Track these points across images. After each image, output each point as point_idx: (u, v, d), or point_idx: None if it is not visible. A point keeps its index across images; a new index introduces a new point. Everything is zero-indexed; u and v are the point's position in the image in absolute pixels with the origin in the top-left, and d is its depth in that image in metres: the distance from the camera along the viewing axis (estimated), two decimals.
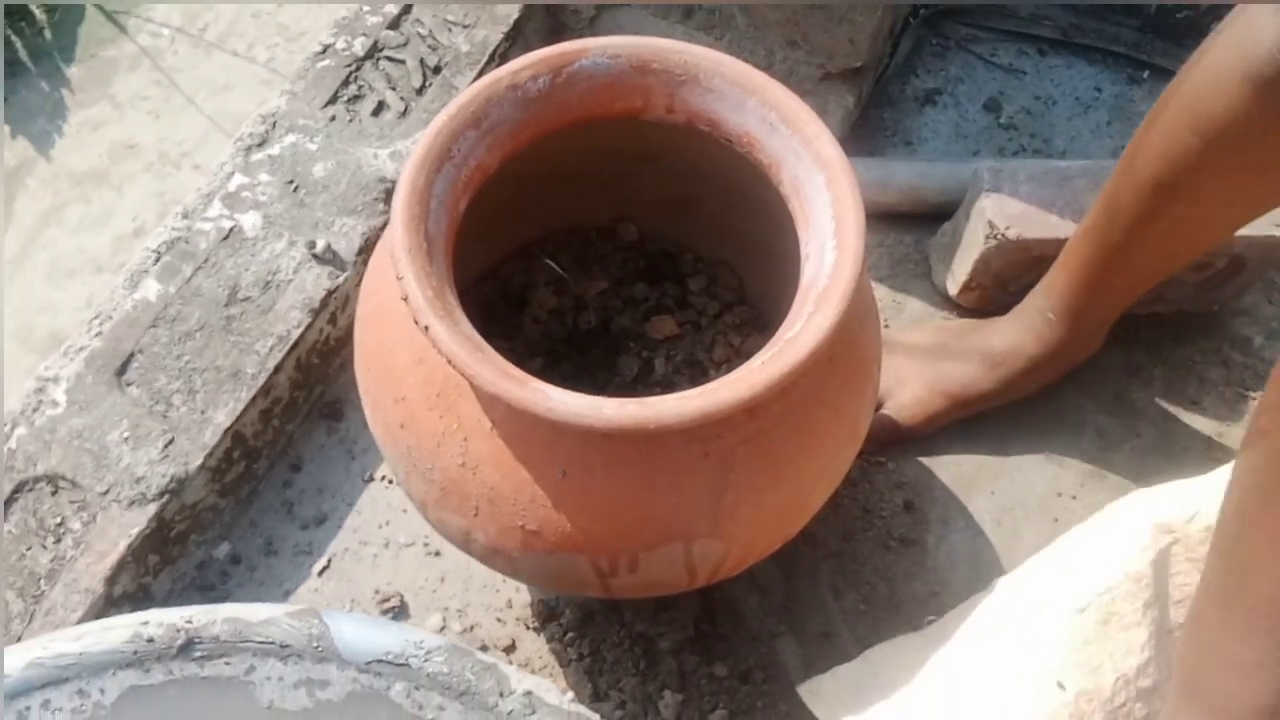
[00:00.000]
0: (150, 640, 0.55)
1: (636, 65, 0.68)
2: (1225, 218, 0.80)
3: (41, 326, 1.08)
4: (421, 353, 0.64)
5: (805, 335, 0.59)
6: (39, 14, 1.27)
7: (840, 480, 0.72)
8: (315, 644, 0.55)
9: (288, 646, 0.55)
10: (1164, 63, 1.20)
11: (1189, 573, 0.71)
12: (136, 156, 1.20)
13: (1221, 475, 0.77)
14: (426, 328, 0.58)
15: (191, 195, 0.95)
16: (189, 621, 0.55)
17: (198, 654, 0.55)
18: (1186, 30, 1.21)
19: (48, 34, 1.27)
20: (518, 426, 0.62)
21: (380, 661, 0.55)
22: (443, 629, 0.87)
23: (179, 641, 0.55)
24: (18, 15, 1.25)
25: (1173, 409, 1.00)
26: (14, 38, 1.25)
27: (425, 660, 0.55)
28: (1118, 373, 1.02)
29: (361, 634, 0.56)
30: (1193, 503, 0.73)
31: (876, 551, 0.92)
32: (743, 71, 0.67)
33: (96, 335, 0.87)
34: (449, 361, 0.58)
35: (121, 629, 0.55)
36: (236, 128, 1.19)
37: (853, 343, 0.68)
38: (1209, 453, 0.98)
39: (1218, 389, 1.02)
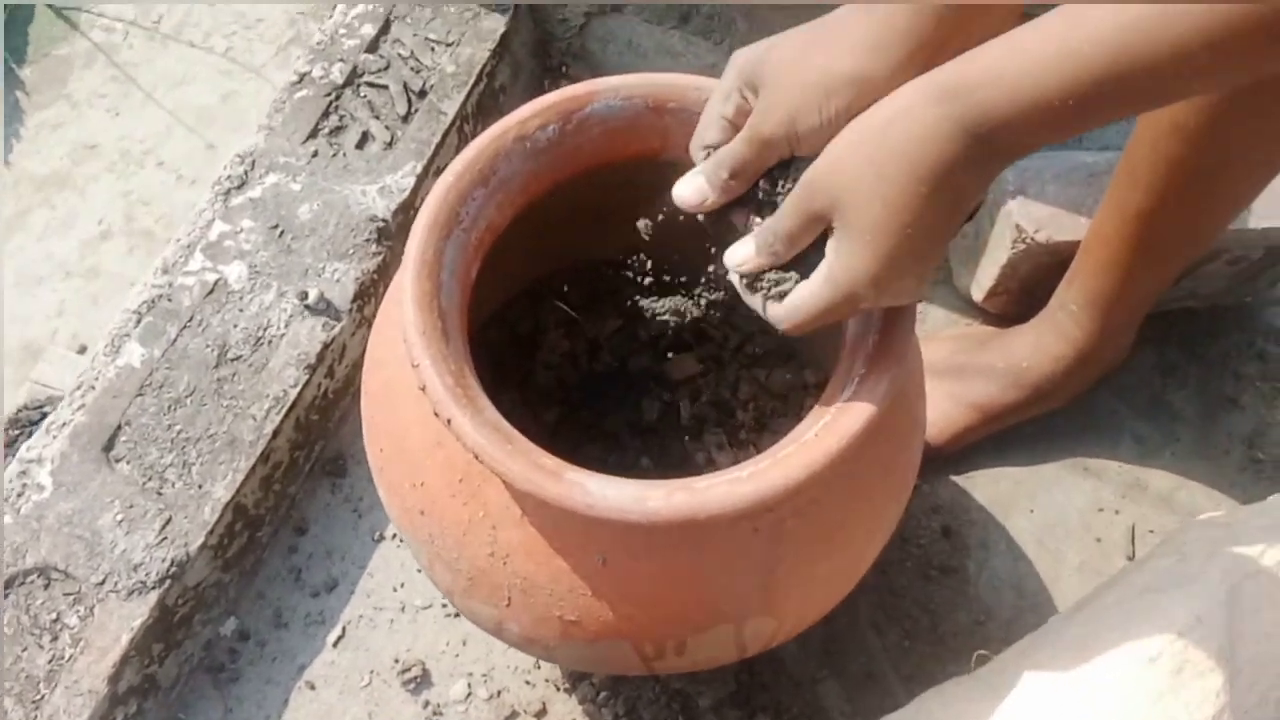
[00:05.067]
0: None
1: (653, 105, 0.63)
2: (1243, 167, 0.76)
3: (13, 337, 1.04)
4: (440, 435, 0.59)
5: (860, 404, 0.54)
6: None
7: (891, 534, 0.67)
8: None
9: None
10: None
11: (1263, 609, 0.67)
12: (98, 156, 1.15)
13: None
14: (449, 421, 0.53)
15: (170, 247, 0.89)
16: None
17: None
18: None
19: None
20: (551, 513, 0.57)
21: None
22: (468, 696, 0.83)
23: None
24: None
25: (1210, 409, 0.96)
26: None
27: None
28: (1151, 373, 0.98)
29: None
30: (1262, 534, 0.69)
31: (916, 582, 0.88)
32: None
33: (80, 409, 0.81)
34: (476, 457, 0.53)
35: None
36: (199, 122, 1.14)
37: (901, 393, 0.63)
38: (1250, 454, 0.95)
39: (1255, 384, 0.98)
